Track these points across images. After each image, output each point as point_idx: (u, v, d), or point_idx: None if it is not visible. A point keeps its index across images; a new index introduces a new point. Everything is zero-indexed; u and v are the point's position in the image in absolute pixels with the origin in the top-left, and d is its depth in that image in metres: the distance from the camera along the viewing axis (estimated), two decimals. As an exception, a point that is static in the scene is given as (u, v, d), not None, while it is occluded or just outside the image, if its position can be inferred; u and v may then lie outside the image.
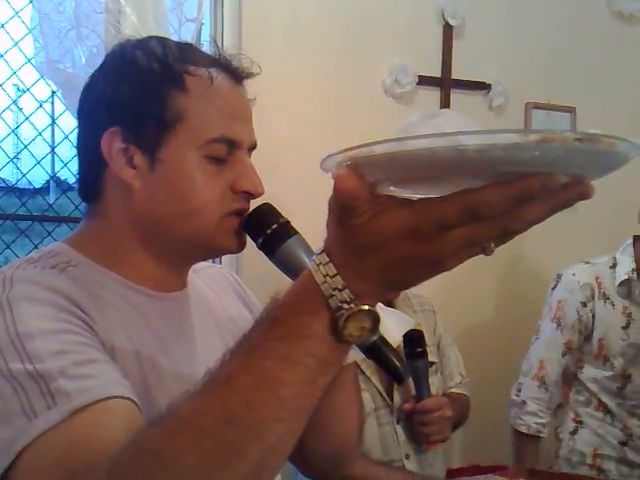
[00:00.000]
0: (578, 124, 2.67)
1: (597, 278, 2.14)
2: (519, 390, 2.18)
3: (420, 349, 1.67)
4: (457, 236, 0.53)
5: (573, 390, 2.18)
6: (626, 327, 2.11)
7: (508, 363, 2.30)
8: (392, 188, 0.57)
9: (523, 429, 2.15)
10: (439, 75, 2.51)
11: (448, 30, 2.51)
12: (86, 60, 1.77)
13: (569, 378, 2.19)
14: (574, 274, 2.16)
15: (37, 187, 2.53)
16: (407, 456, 1.75)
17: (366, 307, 0.58)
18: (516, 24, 2.62)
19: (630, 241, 2.17)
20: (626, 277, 2.10)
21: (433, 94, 2.50)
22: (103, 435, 0.67)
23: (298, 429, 0.62)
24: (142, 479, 0.60)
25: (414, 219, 0.54)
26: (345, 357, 0.62)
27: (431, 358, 1.81)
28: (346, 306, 0.58)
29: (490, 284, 2.61)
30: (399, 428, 1.75)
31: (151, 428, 0.64)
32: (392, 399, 1.76)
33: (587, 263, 2.18)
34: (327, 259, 0.58)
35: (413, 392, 1.74)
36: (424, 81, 2.46)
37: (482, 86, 2.57)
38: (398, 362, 0.76)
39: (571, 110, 2.68)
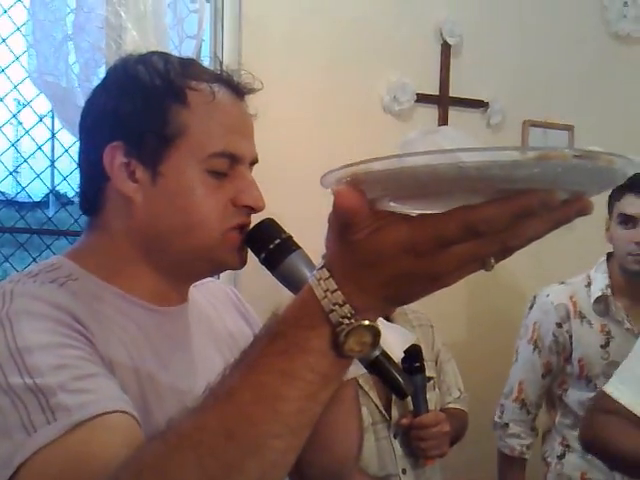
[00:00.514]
0: (576, 142, 2.68)
1: (571, 297, 2.11)
2: (502, 412, 2.18)
3: (418, 364, 1.67)
4: (457, 252, 0.54)
5: (559, 413, 2.16)
6: (605, 345, 2.08)
7: (506, 378, 2.29)
8: (392, 204, 0.57)
9: (507, 451, 2.15)
10: (437, 93, 2.53)
11: (446, 48, 2.53)
12: (80, 72, 1.78)
13: (554, 401, 2.17)
14: (548, 295, 2.14)
15: (37, 200, 2.53)
16: (404, 471, 1.75)
17: (367, 322, 0.58)
18: (514, 43, 2.64)
19: (604, 259, 2.15)
20: (600, 293, 2.08)
21: (431, 112, 2.52)
22: (102, 450, 0.67)
23: (298, 444, 0.62)
24: None
25: (413, 235, 0.54)
26: (345, 372, 0.62)
27: (429, 373, 1.81)
28: (346, 321, 0.58)
29: (490, 299, 2.61)
30: (396, 443, 1.75)
31: (152, 444, 0.64)
32: (390, 414, 1.75)
33: (562, 283, 2.16)
34: (328, 274, 0.58)
35: (411, 407, 1.73)
36: (422, 99, 2.48)
37: (480, 104, 2.59)
38: (400, 377, 0.76)
39: (569, 128, 2.70)
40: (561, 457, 2.13)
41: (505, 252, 0.55)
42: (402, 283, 0.57)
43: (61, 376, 0.72)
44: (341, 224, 0.57)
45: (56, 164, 2.33)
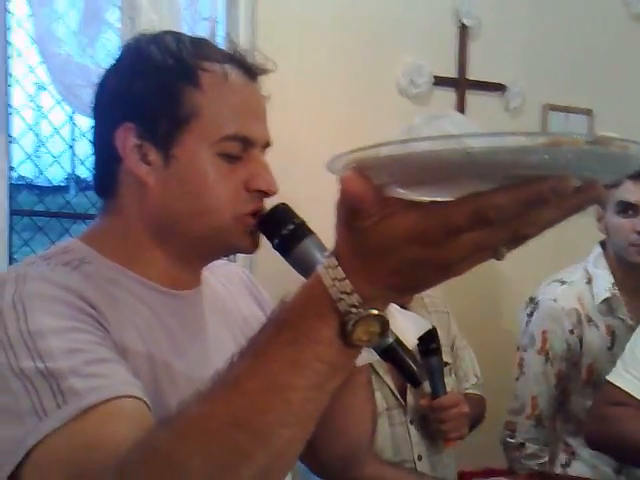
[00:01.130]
0: (595, 126, 2.65)
1: (580, 299, 1.98)
2: (512, 430, 2.02)
3: (434, 345, 1.65)
4: (467, 240, 0.52)
5: (560, 419, 2.05)
6: (611, 347, 1.98)
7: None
8: (400, 190, 0.56)
9: (524, 473, 1.99)
10: (455, 76, 2.50)
11: (464, 30, 2.50)
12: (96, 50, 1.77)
13: (556, 407, 2.05)
14: (555, 299, 1.99)
15: (57, 185, 2.54)
16: (419, 457, 1.74)
17: (375, 311, 0.57)
18: (532, 25, 2.60)
19: (600, 250, 2.04)
20: (608, 295, 1.97)
21: (448, 95, 2.49)
22: (112, 435, 0.67)
23: (305, 434, 0.62)
24: None
25: (422, 223, 0.53)
26: (353, 361, 0.62)
27: (445, 359, 1.80)
28: (355, 310, 0.57)
29: (492, 287, 2.59)
30: (412, 429, 1.74)
31: (159, 429, 0.64)
32: (405, 399, 1.75)
33: (563, 283, 2.02)
34: (335, 262, 0.57)
35: (428, 390, 1.72)
36: (439, 82, 2.45)
37: (498, 87, 2.56)
38: (414, 365, 0.75)
39: (588, 112, 2.67)
40: (566, 465, 2.02)
41: (517, 241, 0.53)
42: (411, 272, 0.55)
43: (73, 360, 0.72)
44: (348, 211, 0.55)
45: (76, 149, 2.34)
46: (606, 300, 1.98)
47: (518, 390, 2.04)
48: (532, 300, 2.04)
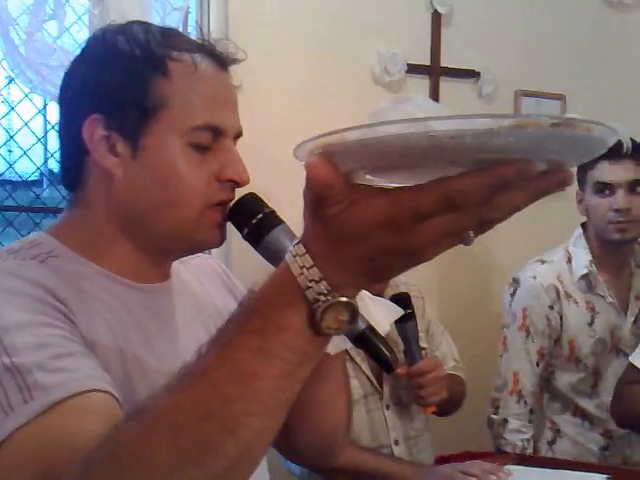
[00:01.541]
0: (568, 111, 2.66)
1: (559, 276, 2.04)
2: (496, 407, 2.07)
3: (409, 310, 1.65)
4: (435, 226, 0.52)
5: (546, 397, 2.10)
6: (591, 323, 2.04)
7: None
8: (368, 177, 0.56)
9: (509, 449, 2.03)
10: (428, 63, 2.50)
11: (437, 18, 2.50)
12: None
13: (541, 385, 2.10)
14: (534, 277, 2.04)
15: (29, 179, 2.51)
16: (396, 442, 1.76)
17: (344, 299, 0.57)
18: (505, 11, 2.61)
19: (580, 231, 2.10)
20: (585, 271, 2.03)
21: (422, 82, 2.49)
22: (80, 430, 0.66)
23: (276, 424, 0.61)
24: (117, 475, 0.60)
25: (390, 209, 0.52)
26: (324, 349, 0.61)
27: (421, 344, 1.81)
28: (323, 298, 0.56)
29: (483, 270, 2.61)
30: (388, 414, 1.76)
31: (126, 423, 0.63)
32: (382, 386, 1.76)
33: (543, 262, 2.08)
34: (303, 250, 0.57)
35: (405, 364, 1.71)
36: (413, 69, 2.46)
37: (471, 74, 2.56)
38: (387, 351, 0.76)
39: (561, 97, 2.68)
40: (552, 443, 2.08)
41: (484, 225, 0.53)
42: (379, 258, 0.55)
43: (39, 355, 0.71)
44: (314, 198, 0.55)
45: (49, 142, 2.30)
46: (585, 277, 2.04)
47: (501, 367, 2.09)
48: (515, 280, 2.09)
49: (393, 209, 0.52)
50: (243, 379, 0.58)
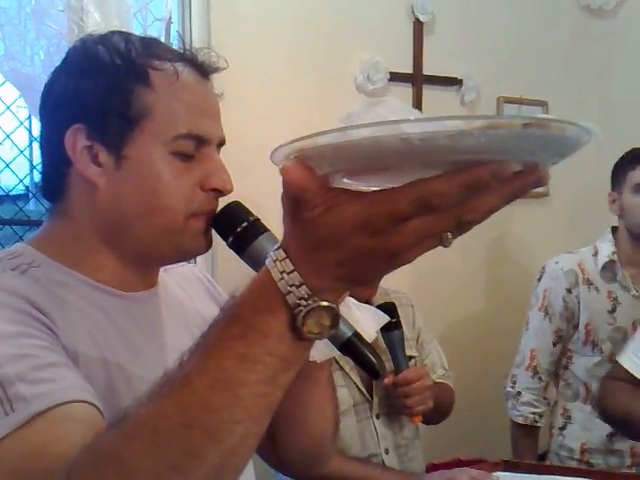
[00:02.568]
0: (547, 115, 2.68)
1: (579, 264, 2.17)
2: (514, 382, 2.21)
3: (394, 320, 1.65)
4: (412, 228, 0.52)
5: (561, 384, 2.22)
6: (612, 311, 2.15)
7: (493, 356, 2.31)
8: (346, 180, 0.55)
9: (520, 420, 2.18)
10: (411, 71, 2.51)
11: (418, 26, 2.52)
12: (45, 58, 1.73)
13: (558, 372, 2.22)
14: (557, 262, 2.20)
15: (14, 193, 2.48)
16: (386, 451, 1.75)
17: (325, 303, 0.57)
18: (486, 19, 2.63)
19: (609, 230, 2.22)
20: (607, 259, 2.14)
21: (405, 90, 2.50)
22: (61, 441, 0.66)
23: (259, 430, 0.61)
24: None
25: (366, 212, 0.52)
26: (306, 354, 0.61)
27: (410, 352, 1.81)
28: (304, 302, 0.56)
29: (474, 275, 2.62)
30: (378, 423, 1.75)
31: (108, 432, 0.62)
32: (371, 395, 1.75)
33: (570, 253, 2.23)
34: (284, 255, 0.57)
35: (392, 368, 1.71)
36: (396, 77, 2.47)
37: (454, 81, 2.58)
38: (374, 357, 0.75)
39: (543, 104, 2.71)
40: (562, 428, 2.20)
41: (462, 227, 0.53)
42: (358, 262, 0.55)
43: (20, 366, 0.71)
44: (291, 202, 0.55)
45: (33, 155, 2.28)
46: (609, 267, 2.15)
47: (521, 345, 2.23)
48: (542, 268, 2.25)
49: (369, 212, 0.52)
50: (225, 386, 0.58)
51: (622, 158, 2.17)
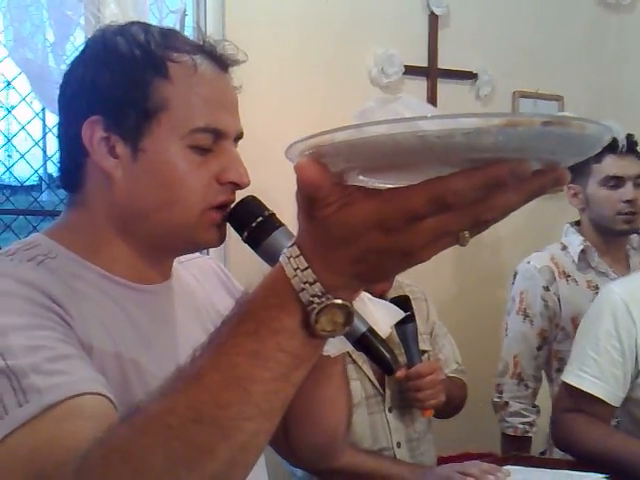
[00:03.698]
0: (566, 112, 2.66)
1: (552, 259, 2.12)
2: (500, 392, 2.14)
3: (409, 313, 1.63)
4: (427, 227, 0.51)
5: (557, 388, 2.08)
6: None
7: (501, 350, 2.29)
8: (361, 177, 0.55)
9: (510, 431, 2.09)
10: (425, 65, 2.50)
11: (434, 19, 2.51)
12: (56, 46, 1.73)
13: (551, 376, 2.14)
14: (529, 262, 2.14)
15: (28, 184, 2.50)
16: (398, 444, 1.75)
17: (338, 301, 0.56)
18: (501, 12, 2.61)
19: (568, 226, 2.19)
20: (582, 247, 2.10)
21: (420, 84, 2.49)
22: (73, 433, 0.66)
23: (271, 426, 0.61)
24: (109, 477, 0.59)
25: (382, 210, 0.52)
26: (319, 352, 0.61)
27: (424, 346, 1.81)
28: (317, 300, 0.56)
29: (489, 269, 2.62)
30: (390, 417, 1.75)
31: (119, 426, 0.62)
32: (384, 388, 1.75)
33: (538, 251, 2.18)
34: (298, 252, 0.56)
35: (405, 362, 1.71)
36: (410, 71, 2.46)
37: (469, 75, 2.56)
38: (387, 353, 0.75)
39: (558, 98, 2.69)
40: None
41: (479, 225, 0.52)
42: (373, 260, 0.54)
43: (34, 357, 0.71)
44: (306, 200, 0.54)
45: (47, 146, 2.30)
46: (583, 255, 2.10)
47: (503, 352, 2.16)
48: (515, 272, 2.19)
49: (385, 210, 0.52)
50: (237, 382, 0.57)
51: None
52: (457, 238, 0.53)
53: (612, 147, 2.04)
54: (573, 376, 1.66)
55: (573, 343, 1.74)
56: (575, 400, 1.67)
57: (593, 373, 1.63)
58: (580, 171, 2.09)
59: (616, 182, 2.07)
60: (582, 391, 1.64)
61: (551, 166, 0.51)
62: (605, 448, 1.57)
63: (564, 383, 1.69)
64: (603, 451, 1.57)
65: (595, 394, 1.62)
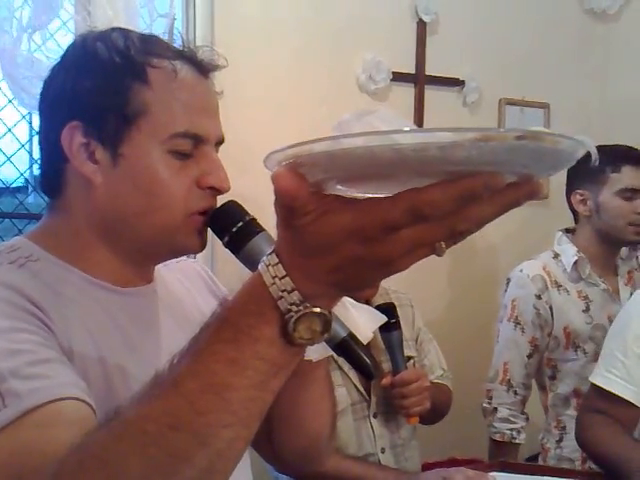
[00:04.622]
0: (552, 120, 2.68)
1: (544, 268, 2.12)
2: (490, 398, 2.14)
3: (393, 320, 1.65)
4: (404, 237, 0.52)
5: (551, 396, 2.14)
6: (587, 310, 2.10)
7: (491, 357, 2.30)
8: (339, 187, 0.55)
9: (497, 437, 2.10)
10: (413, 71, 2.51)
11: (422, 26, 2.52)
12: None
13: (544, 384, 2.15)
14: (522, 270, 2.14)
15: (14, 186, 2.49)
16: (382, 450, 1.75)
17: (317, 309, 0.57)
18: (489, 20, 2.63)
19: (560, 234, 2.18)
20: (576, 258, 2.10)
21: (407, 90, 2.51)
22: (51, 438, 0.66)
23: (248, 434, 0.61)
24: None
25: (359, 220, 0.52)
26: (298, 359, 0.61)
27: (409, 352, 1.81)
28: (295, 308, 0.56)
29: (474, 277, 2.63)
30: (375, 422, 1.75)
31: (97, 432, 0.62)
32: (369, 394, 1.75)
33: (531, 259, 2.17)
34: (276, 260, 0.56)
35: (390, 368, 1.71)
36: (398, 77, 2.47)
37: (456, 82, 2.58)
38: (367, 359, 0.76)
39: (545, 106, 2.70)
40: (560, 441, 2.10)
41: (455, 236, 0.53)
42: (350, 269, 0.55)
43: (13, 361, 0.71)
44: (284, 209, 0.55)
45: (33, 148, 2.29)
46: (575, 265, 2.10)
47: (494, 358, 2.16)
48: (507, 279, 2.18)
49: (361, 220, 0.52)
50: (215, 390, 0.58)
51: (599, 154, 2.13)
52: (433, 248, 0.53)
53: (629, 158, 2.05)
54: (600, 377, 1.68)
55: (603, 346, 1.76)
56: (601, 401, 1.68)
57: (620, 375, 1.64)
58: (593, 178, 2.08)
59: (632, 194, 2.07)
60: (609, 392, 1.65)
61: (525, 179, 0.52)
62: (615, 455, 1.59)
63: (592, 384, 1.71)
64: (613, 458, 1.59)
65: (622, 395, 1.63)
